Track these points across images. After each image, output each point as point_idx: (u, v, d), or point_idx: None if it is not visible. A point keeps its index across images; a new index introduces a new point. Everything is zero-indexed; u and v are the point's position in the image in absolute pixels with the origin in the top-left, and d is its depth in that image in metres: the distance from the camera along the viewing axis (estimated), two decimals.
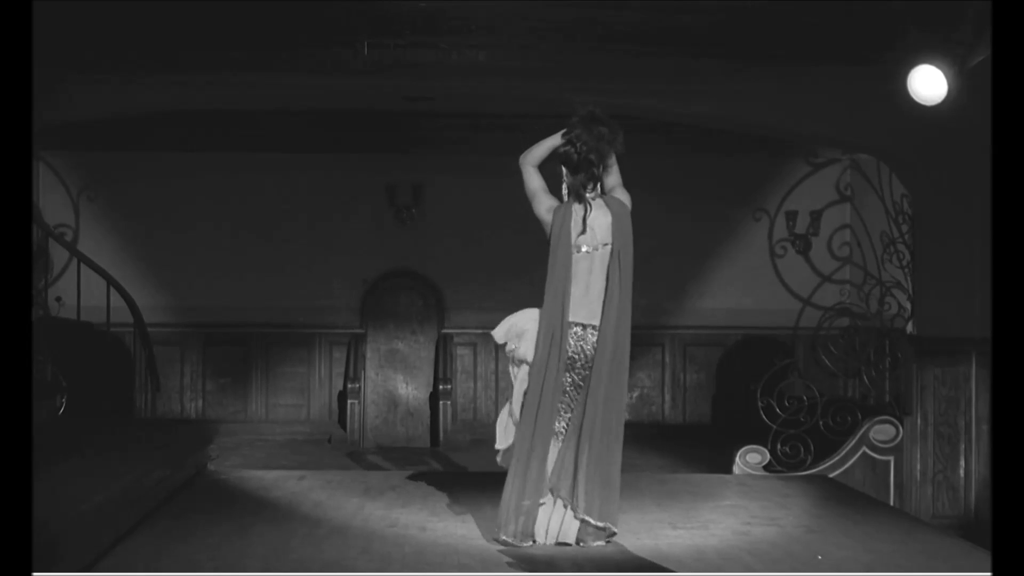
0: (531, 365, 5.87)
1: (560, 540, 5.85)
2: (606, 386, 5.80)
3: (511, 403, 6.05)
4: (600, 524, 5.81)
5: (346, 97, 9.28)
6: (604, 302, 5.83)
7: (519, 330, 5.97)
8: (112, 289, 9.84)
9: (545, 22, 7.45)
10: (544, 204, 5.93)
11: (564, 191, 6.00)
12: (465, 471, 9.27)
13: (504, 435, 6.07)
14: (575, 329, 5.83)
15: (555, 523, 5.86)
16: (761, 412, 8.53)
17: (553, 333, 5.80)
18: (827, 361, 8.97)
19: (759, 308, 11.56)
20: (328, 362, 11.75)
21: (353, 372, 11.45)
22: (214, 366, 11.66)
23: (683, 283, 11.70)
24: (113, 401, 9.83)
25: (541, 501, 5.82)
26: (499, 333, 6.05)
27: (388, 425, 11.42)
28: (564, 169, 5.99)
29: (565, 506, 5.83)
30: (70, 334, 9.93)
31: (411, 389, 11.55)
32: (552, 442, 5.85)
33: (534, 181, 5.99)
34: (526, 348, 5.93)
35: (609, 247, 5.84)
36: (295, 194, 11.63)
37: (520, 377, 5.99)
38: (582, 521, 5.81)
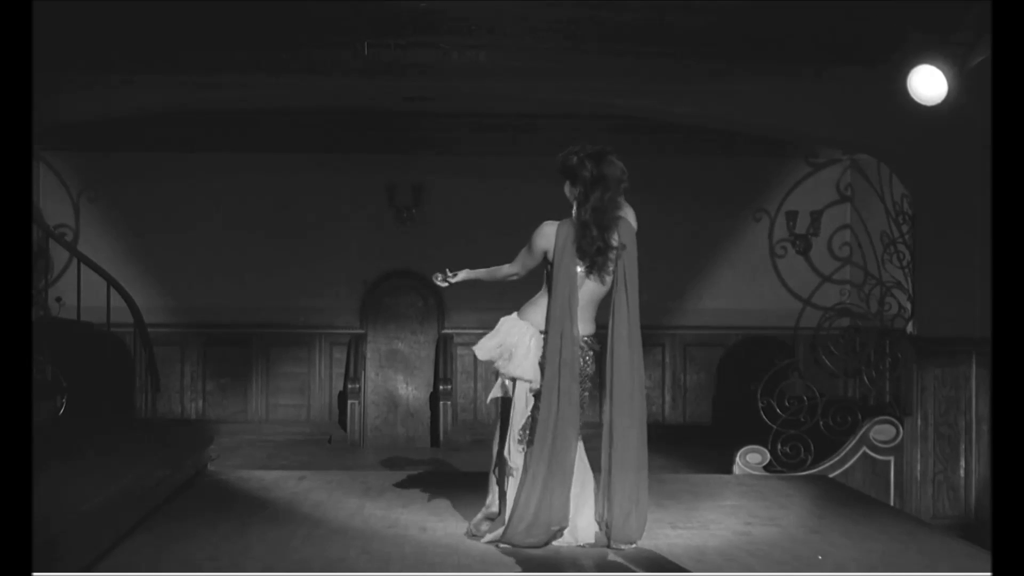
0: (543, 383, 5.73)
1: (580, 542, 5.86)
2: (629, 411, 5.75)
3: (512, 426, 5.86)
4: (632, 547, 5.81)
5: (346, 97, 9.28)
6: (612, 326, 5.77)
7: (510, 345, 5.83)
8: (112, 289, 9.83)
9: (545, 22, 7.46)
10: (540, 235, 5.82)
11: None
12: (465, 471, 9.26)
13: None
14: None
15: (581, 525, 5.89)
16: (761, 412, 8.53)
17: (562, 349, 5.70)
18: (827, 361, 8.97)
19: (759, 308, 11.56)
20: (328, 362, 11.75)
21: (353, 372, 11.45)
22: (214, 366, 11.66)
23: (683, 283, 11.70)
24: (113, 401, 9.82)
25: (562, 528, 5.80)
26: (486, 350, 5.88)
27: (388, 425, 11.42)
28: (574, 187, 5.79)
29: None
30: (70, 334, 9.91)
31: (411, 389, 11.55)
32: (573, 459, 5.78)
33: (526, 258, 5.92)
34: (518, 364, 5.81)
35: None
36: (295, 194, 11.63)
37: (519, 395, 5.84)
38: (614, 546, 5.80)
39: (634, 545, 5.81)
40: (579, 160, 5.75)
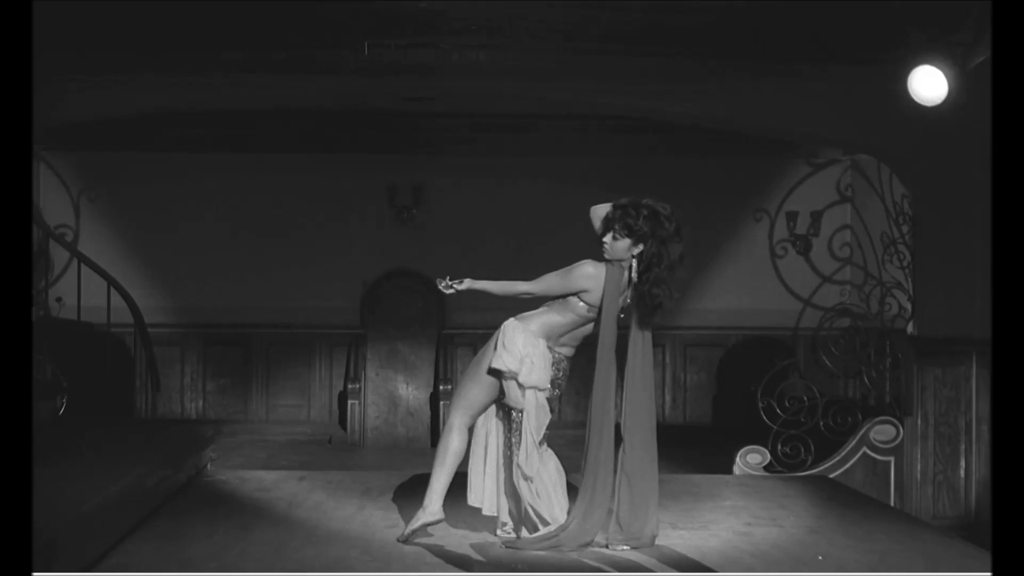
0: (591, 424, 5.73)
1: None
2: (644, 413, 5.81)
3: (525, 437, 5.83)
4: (631, 548, 5.80)
5: (346, 97, 9.29)
6: (631, 336, 5.83)
7: (528, 356, 5.77)
8: (112, 289, 9.84)
9: (545, 22, 7.46)
10: (584, 276, 5.75)
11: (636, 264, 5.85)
12: (465, 471, 9.24)
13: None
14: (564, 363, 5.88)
15: None
16: (761, 412, 8.52)
17: (609, 395, 5.75)
18: (827, 361, 8.97)
19: (760, 308, 11.56)
20: (328, 363, 11.75)
21: (353, 372, 11.45)
22: (214, 366, 11.66)
23: (683, 283, 11.68)
24: (113, 401, 9.83)
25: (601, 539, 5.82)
26: (509, 362, 5.78)
27: (388, 425, 11.41)
28: (622, 235, 5.79)
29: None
30: (70, 334, 9.93)
31: (411, 389, 11.55)
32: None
33: (556, 286, 5.81)
34: (539, 375, 5.78)
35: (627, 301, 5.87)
36: (295, 194, 11.64)
37: (531, 404, 5.79)
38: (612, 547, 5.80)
39: (636, 546, 5.81)
40: (654, 219, 5.84)
